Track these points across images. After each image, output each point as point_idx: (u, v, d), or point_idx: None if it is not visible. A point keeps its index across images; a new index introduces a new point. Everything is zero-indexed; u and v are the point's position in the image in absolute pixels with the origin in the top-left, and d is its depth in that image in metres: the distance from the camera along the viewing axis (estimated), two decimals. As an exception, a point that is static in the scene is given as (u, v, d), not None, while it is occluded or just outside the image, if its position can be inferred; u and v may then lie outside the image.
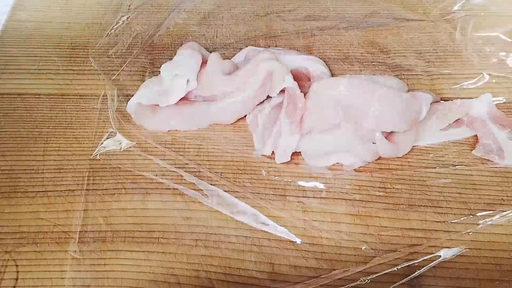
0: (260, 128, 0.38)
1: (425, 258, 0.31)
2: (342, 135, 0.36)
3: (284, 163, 0.36)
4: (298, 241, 0.32)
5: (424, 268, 0.31)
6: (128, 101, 0.39)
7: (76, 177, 0.36)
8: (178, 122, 0.39)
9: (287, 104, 0.37)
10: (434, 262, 0.31)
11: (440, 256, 0.31)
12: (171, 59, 0.40)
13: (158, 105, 0.38)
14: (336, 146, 0.36)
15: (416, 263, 0.31)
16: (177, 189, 0.35)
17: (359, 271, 0.31)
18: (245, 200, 0.34)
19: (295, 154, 0.37)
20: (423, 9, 0.51)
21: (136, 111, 0.39)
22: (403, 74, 0.43)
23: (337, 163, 0.36)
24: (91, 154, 0.37)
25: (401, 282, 0.30)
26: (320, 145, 0.36)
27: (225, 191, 0.35)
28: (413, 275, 0.31)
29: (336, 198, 0.34)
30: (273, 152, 0.37)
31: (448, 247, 0.32)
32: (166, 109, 0.38)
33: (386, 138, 0.36)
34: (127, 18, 0.48)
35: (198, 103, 0.39)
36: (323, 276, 0.31)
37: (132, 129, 0.39)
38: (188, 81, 0.38)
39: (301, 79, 0.40)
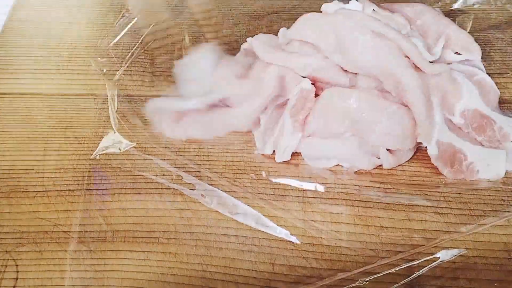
0: (261, 127, 0.38)
1: (425, 258, 0.31)
2: (345, 146, 0.36)
3: (284, 163, 0.36)
4: (298, 241, 0.32)
5: (424, 268, 0.31)
6: (129, 101, 0.39)
7: (76, 177, 0.36)
8: (196, 131, 0.38)
9: (294, 104, 0.37)
10: (435, 262, 0.31)
11: (439, 257, 0.31)
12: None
13: (177, 112, 0.38)
14: (338, 153, 0.36)
15: (416, 263, 0.31)
16: (177, 189, 0.35)
17: (359, 272, 0.31)
18: (245, 200, 0.34)
19: (295, 154, 0.37)
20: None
21: (156, 117, 0.38)
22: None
23: (338, 164, 0.37)
24: (91, 154, 0.37)
25: (401, 282, 0.30)
26: (322, 150, 0.36)
27: (225, 191, 0.35)
28: (413, 275, 0.31)
29: (336, 198, 0.34)
30: (274, 152, 0.37)
31: (448, 248, 0.32)
32: (185, 117, 0.38)
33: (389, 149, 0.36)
34: (127, 18, 0.48)
35: (216, 109, 0.38)
36: (322, 276, 0.31)
37: (132, 130, 0.39)
38: (203, 85, 0.38)
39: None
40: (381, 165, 0.36)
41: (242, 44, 0.41)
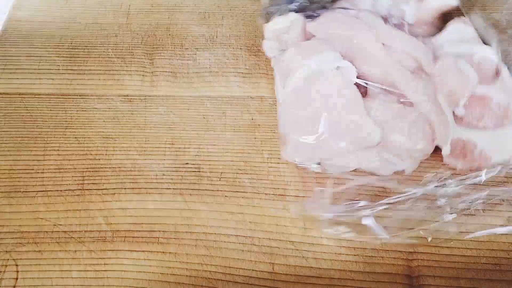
0: None
1: (425, 258, 0.31)
2: (364, 155, 0.35)
3: (285, 163, 0.36)
4: (298, 241, 0.32)
5: (424, 267, 0.31)
6: (129, 100, 0.38)
7: (76, 176, 0.36)
8: None
9: None
10: (435, 262, 0.31)
11: (443, 254, 0.31)
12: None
13: None
14: (358, 161, 0.36)
15: (416, 263, 0.31)
16: (177, 189, 0.35)
17: (359, 271, 0.31)
18: (245, 200, 0.34)
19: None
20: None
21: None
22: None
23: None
24: (91, 154, 0.37)
25: (401, 282, 0.30)
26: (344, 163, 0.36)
27: (225, 190, 0.35)
28: (413, 275, 0.31)
29: (336, 198, 0.34)
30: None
31: (448, 247, 0.32)
32: None
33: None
34: (127, 18, 0.48)
35: None
36: (322, 276, 0.31)
37: (132, 130, 0.39)
38: None
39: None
40: None
41: (240, 44, 0.41)
